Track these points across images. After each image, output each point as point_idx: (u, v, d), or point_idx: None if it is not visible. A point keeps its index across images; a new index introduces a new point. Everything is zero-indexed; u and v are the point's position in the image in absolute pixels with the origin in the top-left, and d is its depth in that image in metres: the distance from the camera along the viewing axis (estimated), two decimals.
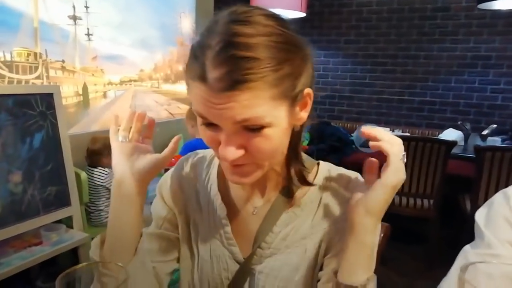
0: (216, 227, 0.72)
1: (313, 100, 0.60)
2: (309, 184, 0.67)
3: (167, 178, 0.79)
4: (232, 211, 0.72)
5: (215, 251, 0.71)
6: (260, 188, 0.70)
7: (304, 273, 0.67)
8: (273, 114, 0.52)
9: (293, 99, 0.55)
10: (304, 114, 0.60)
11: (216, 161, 0.77)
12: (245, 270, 0.69)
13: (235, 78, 0.48)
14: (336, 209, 0.68)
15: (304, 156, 0.69)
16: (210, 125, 0.54)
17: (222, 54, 0.48)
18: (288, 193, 0.68)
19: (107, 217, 2.44)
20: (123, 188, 0.64)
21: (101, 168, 2.47)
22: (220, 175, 0.74)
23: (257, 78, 0.48)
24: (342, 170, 0.71)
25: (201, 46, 0.51)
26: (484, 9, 3.04)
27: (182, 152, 2.83)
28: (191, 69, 0.52)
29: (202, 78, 0.50)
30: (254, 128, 0.52)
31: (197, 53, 0.52)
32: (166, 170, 0.83)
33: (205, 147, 2.50)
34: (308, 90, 0.58)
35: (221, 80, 0.48)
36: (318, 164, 0.72)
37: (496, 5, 2.84)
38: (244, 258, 0.69)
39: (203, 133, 0.57)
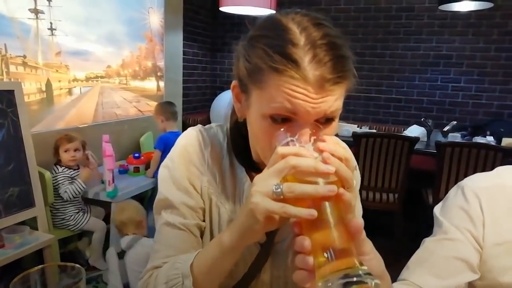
0: None
1: None
2: None
3: (193, 155, 0.71)
4: None
5: None
6: None
7: None
8: (341, 105, 0.57)
9: None
10: None
11: None
12: (267, 250, 0.70)
13: (337, 75, 0.53)
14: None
15: None
16: (282, 121, 0.55)
17: (325, 54, 0.53)
18: None
19: (72, 220, 2.40)
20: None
21: (66, 167, 2.41)
22: None
23: (349, 75, 0.55)
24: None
25: (278, 44, 0.53)
26: (445, 10, 3.17)
27: (157, 145, 2.82)
28: (271, 71, 0.53)
29: (299, 75, 0.52)
30: (328, 119, 0.57)
31: (275, 53, 0.53)
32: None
33: (176, 139, 2.43)
34: None
35: (324, 78, 0.52)
36: None
37: (455, 7, 2.97)
38: (266, 238, 0.70)
39: (270, 133, 0.56)
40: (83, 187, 2.38)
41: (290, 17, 0.57)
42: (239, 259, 0.65)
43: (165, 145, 2.77)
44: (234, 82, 0.64)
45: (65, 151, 2.39)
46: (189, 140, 0.72)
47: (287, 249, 0.71)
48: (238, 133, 0.71)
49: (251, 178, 0.70)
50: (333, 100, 0.54)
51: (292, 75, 0.52)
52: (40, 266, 0.54)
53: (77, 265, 0.54)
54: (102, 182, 2.54)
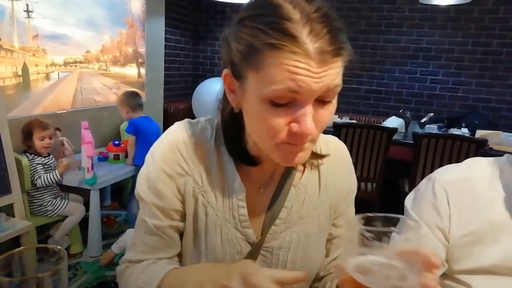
0: (230, 209, 0.68)
1: None
2: (322, 156, 0.71)
3: (171, 155, 0.67)
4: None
5: (227, 234, 0.68)
6: (265, 168, 0.69)
7: (320, 238, 0.73)
8: (341, 81, 0.56)
9: None
10: None
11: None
12: (256, 250, 0.69)
13: (337, 47, 0.52)
14: (333, 172, 0.74)
15: None
16: (283, 104, 0.53)
17: (321, 27, 0.51)
18: (292, 168, 0.70)
19: (50, 205, 2.36)
20: None
21: (40, 156, 2.36)
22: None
23: (346, 47, 0.53)
24: (321, 136, 0.72)
25: (274, 21, 0.51)
26: (426, 3, 3.22)
27: (128, 129, 2.78)
28: (268, 49, 0.51)
29: (299, 49, 0.50)
30: (330, 100, 0.55)
31: (272, 30, 0.51)
32: None
33: (148, 123, 2.48)
34: None
35: (324, 50, 0.51)
36: None
37: (435, 0, 3.02)
38: (257, 238, 0.69)
39: (270, 117, 0.54)
40: (59, 179, 2.34)
41: None
42: (228, 259, 0.67)
43: (135, 129, 2.74)
44: (225, 71, 0.59)
45: (40, 139, 2.33)
46: (173, 138, 0.68)
47: (276, 250, 0.70)
48: (233, 126, 0.66)
49: (241, 174, 0.68)
50: (334, 74, 0.53)
51: (292, 50, 0.50)
52: (21, 247, 0.54)
53: (59, 247, 0.55)
54: (79, 169, 2.50)
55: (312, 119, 0.53)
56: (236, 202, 0.68)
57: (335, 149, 0.75)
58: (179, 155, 0.67)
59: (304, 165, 0.72)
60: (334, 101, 0.57)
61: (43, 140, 2.34)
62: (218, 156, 0.68)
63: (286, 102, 0.53)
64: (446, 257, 0.77)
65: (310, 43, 0.50)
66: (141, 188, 0.69)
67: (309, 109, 0.53)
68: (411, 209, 0.82)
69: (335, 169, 0.75)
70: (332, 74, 0.52)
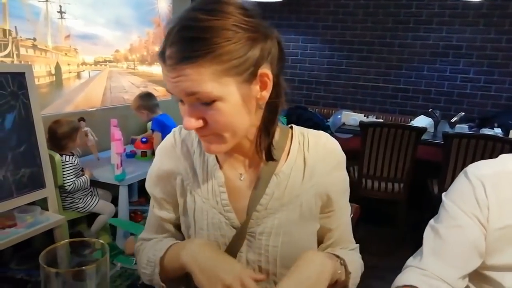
0: (214, 195, 0.76)
1: (290, 85, 0.67)
2: (273, 159, 0.74)
3: (164, 157, 0.82)
4: (225, 180, 0.77)
5: (212, 219, 0.76)
6: (243, 157, 0.77)
7: (304, 225, 0.76)
8: (221, 89, 0.60)
9: (246, 78, 0.61)
10: (265, 94, 0.66)
11: None
12: (241, 234, 0.75)
13: (182, 55, 0.57)
14: (321, 164, 0.77)
15: (280, 126, 0.77)
16: (181, 101, 0.64)
17: (175, 35, 0.58)
18: (271, 158, 0.74)
19: (81, 202, 2.43)
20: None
21: (70, 154, 2.43)
22: None
23: (199, 55, 0.57)
24: (311, 131, 0.82)
25: (167, 30, 0.61)
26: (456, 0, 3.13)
27: (154, 127, 2.85)
28: (159, 58, 0.62)
29: (162, 56, 0.60)
30: (207, 102, 0.60)
31: (164, 36, 0.61)
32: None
33: (169, 120, 2.54)
34: (264, 71, 0.63)
35: (172, 57, 0.58)
36: (291, 127, 0.81)
37: None
38: (240, 223, 0.75)
39: (180, 109, 0.65)
40: (88, 185, 2.44)
41: (192, 5, 0.63)
42: (212, 240, 0.75)
43: (161, 125, 2.82)
44: None
45: (76, 140, 2.42)
46: (165, 142, 0.82)
47: (259, 235, 0.74)
48: None
49: (224, 164, 0.78)
50: (188, 80, 0.58)
51: (159, 56, 0.61)
52: (67, 240, 0.56)
53: (102, 242, 0.56)
54: (98, 159, 2.71)
55: (197, 117, 0.62)
56: (218, 188, 0.76)
57: (325, 143, 0.80)
58: (169, 156, 0.80)
59: (287, 154, 0.77)
60: (221, 104, 0.61)
61: (76, 140, 2.42)
62: (201, 150, 0.79)
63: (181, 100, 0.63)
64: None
65: (166, 52, 0.59)
66: (146, 182, 0.85)
67: (185, 108, 0.63)
68: (447, 198, 0.81)
69: (323, 162, 0.78)
70: (186, 81, 0.58)
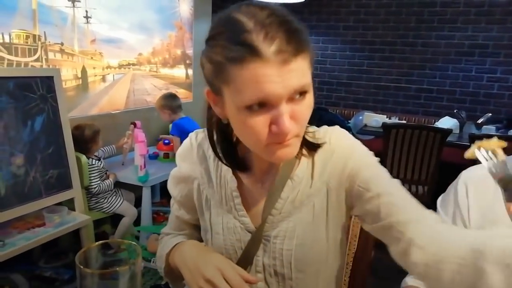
0: (228, 200, 0.77)
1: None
2: (319, 145, 0.72)
3: (182, 162, 0.84)
4: (239, 185, 0.76)
5: (228, 223, 0.76)
6: (259, 164, 0.75)
7: (317, 227, 0.74)
8: (310, 79, 0.59)
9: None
10: None
11: None
12: (257, 238, 0.74)
13: (295, 47, 0.54)
14: (330, 160, 0.73)
15: None
16: (259, 109, 0.56)
17: (276, 29, 0.53)
18: (290, 161, 0.72)
19: (106, 202, 2.49)
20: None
21: (95, 158, 2.49)
22: None
23: (307, 45, 0.56)
24: (319, 130, 0.76)
25: (232, 36, 0.55)
26: None
27: (173, 131, 2.89)
28: (231, 63, 0.54)
29: (257, 57, 0.53)
30: (301, 93, 0.57)
31: (231, 44, 0.54)
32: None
33: (192, 123, 2.57)
34: None
35: (281, 50, 0.53)
36: None
37: None
38: (255, 227, 0.75)
39: (250, 123, 0.57)
40: (112, 187, 2.51)
41: (238, 10, 0.57)
42: (228, 246, 0.75)
43: (180, 130, 2.87)
44: (206, 88, 0.65)
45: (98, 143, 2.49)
46: (183, 146, 0.84)
47: (274, 239, 0.74)
48: (221, 136, 0.73)
49: (236, 176, 0.76)
50: (299, 74, 0.55)
51: (252, 59, 0.53)
52: (100, 242, 0.58)
53: (134, 243, 0.58)
54: (122, 164, 2.75)
55: (290, 117, 0.57)
56: (231, 193, 0.76)
57: (330, 138, 0.74)
58: (189, 160, 0.81)
59: (299, 157, 0.74)
60: (309, 96, 0.59)
61: (99, 142, 2.49)
62: (214, 157, 0.77)
63: (261, 104, 0.56)
64: None
65: (267, 48, 0.53)
66: (168, 184, 0.87)
67: (283, 109, 0.56)
68: (438, 206, 0.89)
69: (331, 158, 0.73)
70: (297, 75, 0.55)
